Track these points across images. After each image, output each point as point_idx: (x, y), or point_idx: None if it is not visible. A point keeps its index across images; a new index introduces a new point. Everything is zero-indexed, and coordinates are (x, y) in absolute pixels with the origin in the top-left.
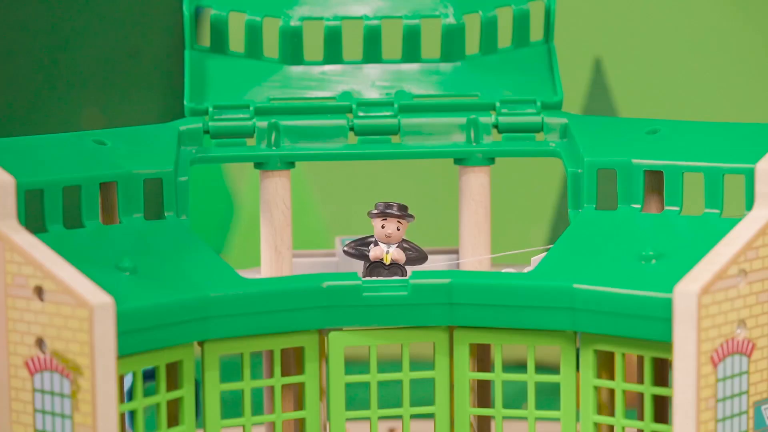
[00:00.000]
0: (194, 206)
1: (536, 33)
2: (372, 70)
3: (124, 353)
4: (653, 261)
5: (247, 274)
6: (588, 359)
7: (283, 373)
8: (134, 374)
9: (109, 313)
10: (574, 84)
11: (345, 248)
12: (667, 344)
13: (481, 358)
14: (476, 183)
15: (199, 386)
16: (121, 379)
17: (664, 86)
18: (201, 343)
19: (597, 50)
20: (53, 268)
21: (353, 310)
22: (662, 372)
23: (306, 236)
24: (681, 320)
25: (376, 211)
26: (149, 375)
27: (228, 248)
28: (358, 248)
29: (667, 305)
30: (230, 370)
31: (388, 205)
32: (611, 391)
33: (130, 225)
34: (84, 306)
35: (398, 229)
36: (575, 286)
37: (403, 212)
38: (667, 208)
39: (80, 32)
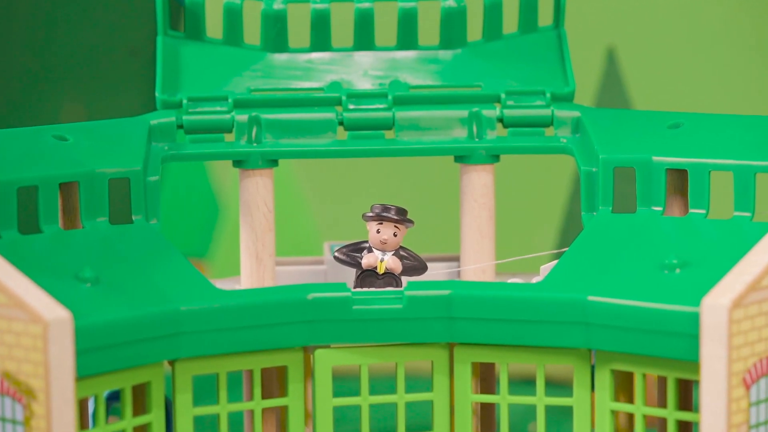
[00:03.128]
0: (174, 208)
1: (545, 17)
2: (364, 58)
3: (83, 374)
4: (677, 270)
5: (225, 284)
6: (604, 380)
7: (264, 396)
8: (96, 398)
9: (67, 330)
10: (585, 74)
11: (336, 254)
12: (693, 364)
13: (485, 377)
14: (479, 183)
15: (170, 409)
16: (82, 402)
17: (684, 76)
18: (172, 363)
19: (610, 37)
20: (4, 279)
21: (342, 324)
22: (686, 393)
23: (295, 241)
24: (709, 337)
25: (371, 214)
26: (116, 395)
27: (212, 254)
28: (350, 254)
29: (694, 320)
30: (205, 389)
31: (386, 208)
32: (630, 415)
33: (94, 230)
34: (38, 321)
35: (395, 235)
36: (590, 298)
37: (402, 217)
38: (691, 210)
39: (66, 26)
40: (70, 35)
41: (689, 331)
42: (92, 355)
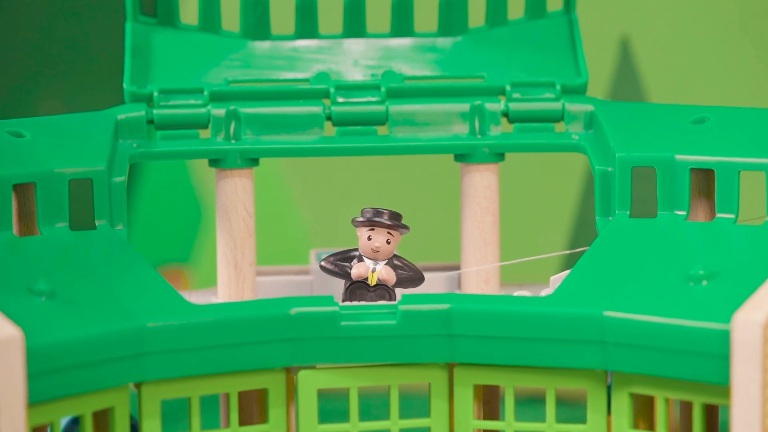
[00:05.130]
0: (154, 209)
1: (555, 2)
2: (354, 46)
3: (37, 400)
4: (704, 282)
5: (200, 296)
6: (622, 404)
7: (242, 422)
8: (52, 427)
9: (17, 350)
10: (598, 64)
11: (322, 263)
12: (722, 388)
13: (488, 400)
14: (481, 184)
15: None
16: (37, 431)
17: (706, 66)
18: (138, 386)
19: (625, 24)
20: None
21: (329, 342)
22: (712, 419)
23: (279, 248)
24: (742, 357)
25: (361, 219)
26: (77, 421)
27: (194, 259)
28: (338, 264)
29: (724, 338)
30: (176, 413)
31: (378, 212)
32: None
33: (52, 237)
34: None
35: (388, 243)
36: (606, 313)
37: (395, 222)
38: (719, 215)
39: (46, 19)
40: (51, 29)
41: (718, 350)
42: (47, 379)
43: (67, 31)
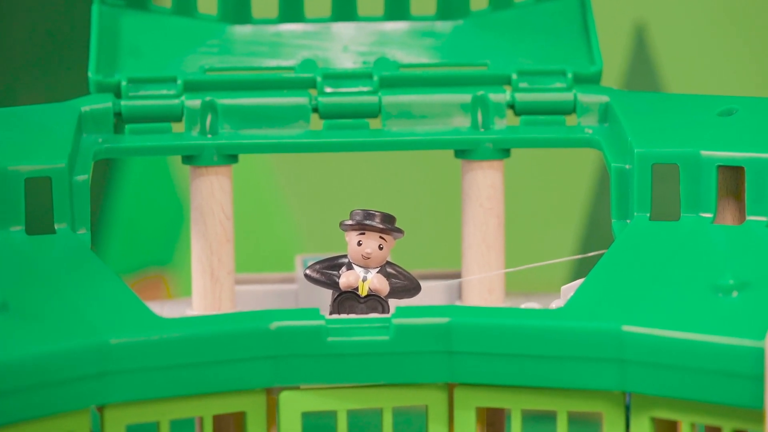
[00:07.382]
0: (134, 210)
1: None
2: (344, 30)
3: None
4: (734, 293)
5: (174, 307)
6: (643, 429)
7: None
8: None
9: None
10: (612, 51)
11: (307, 271)
12: (756, 412)
13: (492, 422)
14: (485, 183)
15: None
16: None
17: (728, 54)
18: (100, 408)
19: (641, 8)
20: None
21: (314, 360)
22: None
23: (262, 254)
24: None
25: (351, 222)
26: None
27: (177, 263)
28: (325, 272)
29: (757, 357)
30: None
31: (369, 215)
32: None
33: (5, 242)
34: None
35: (381, 248)
36: (624, 328)
37: (389, 225)
38: (749, 217)
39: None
40: (32, 22)
41: (751, 370)
42: None
43: (48, 22)
